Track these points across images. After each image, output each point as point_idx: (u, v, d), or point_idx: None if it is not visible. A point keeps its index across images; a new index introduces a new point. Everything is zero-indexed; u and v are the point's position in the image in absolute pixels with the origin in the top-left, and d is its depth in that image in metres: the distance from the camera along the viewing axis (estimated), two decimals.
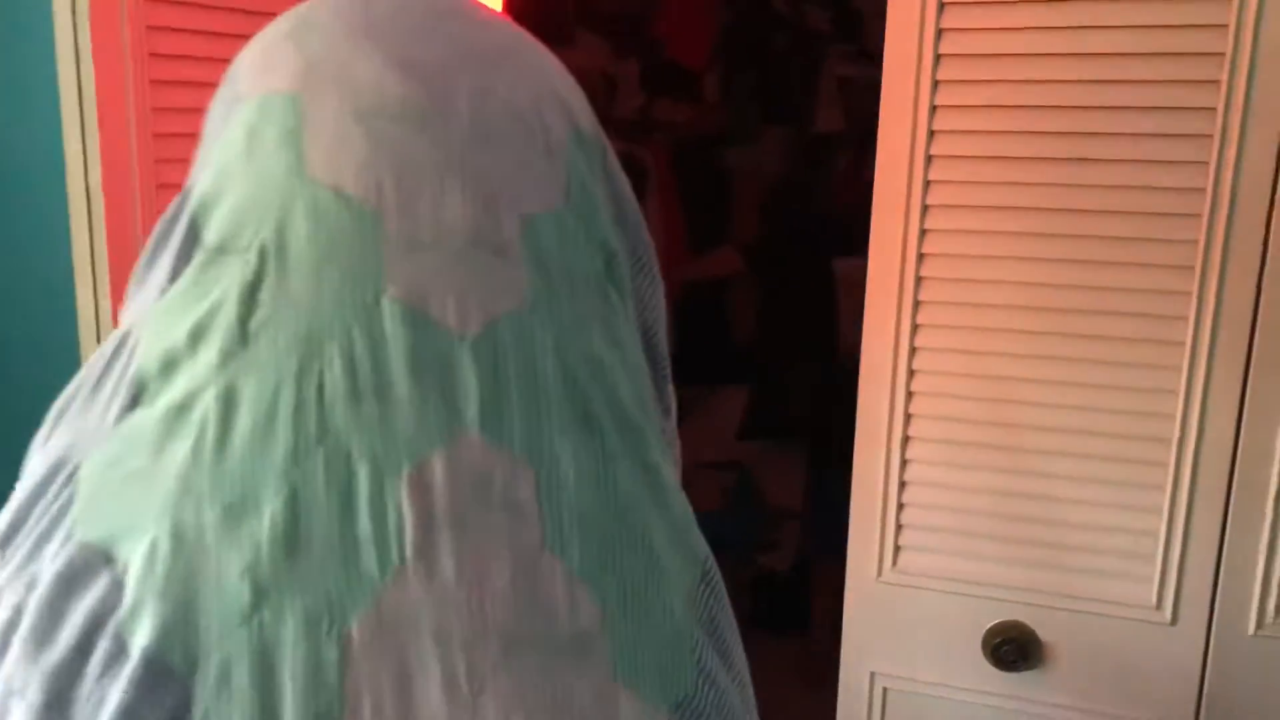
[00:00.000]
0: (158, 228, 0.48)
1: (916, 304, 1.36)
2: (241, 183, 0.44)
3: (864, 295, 2.77)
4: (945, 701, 1.43)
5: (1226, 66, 1.21)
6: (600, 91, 3.26)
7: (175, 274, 0.45)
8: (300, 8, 0.50)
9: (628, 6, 3.38)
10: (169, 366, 0.42)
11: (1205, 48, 1.22)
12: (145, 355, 0.44)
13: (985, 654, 1.39)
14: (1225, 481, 1.27)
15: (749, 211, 3.53)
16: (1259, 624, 1.28)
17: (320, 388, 0.40)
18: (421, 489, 0.39)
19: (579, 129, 0.49)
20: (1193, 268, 1.25)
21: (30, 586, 0.40)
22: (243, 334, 0.41)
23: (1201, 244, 1.24)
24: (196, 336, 0.42)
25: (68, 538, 0.40)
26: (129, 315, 0.48)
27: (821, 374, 3.13)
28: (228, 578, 0.37)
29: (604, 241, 0.48)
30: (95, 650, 0.38)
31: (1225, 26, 1.20)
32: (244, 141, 0.45)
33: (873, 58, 3.69)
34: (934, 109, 1.32)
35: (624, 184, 0.53)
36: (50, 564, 0.40)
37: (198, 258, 0.45)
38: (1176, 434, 1.28)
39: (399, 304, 0.41)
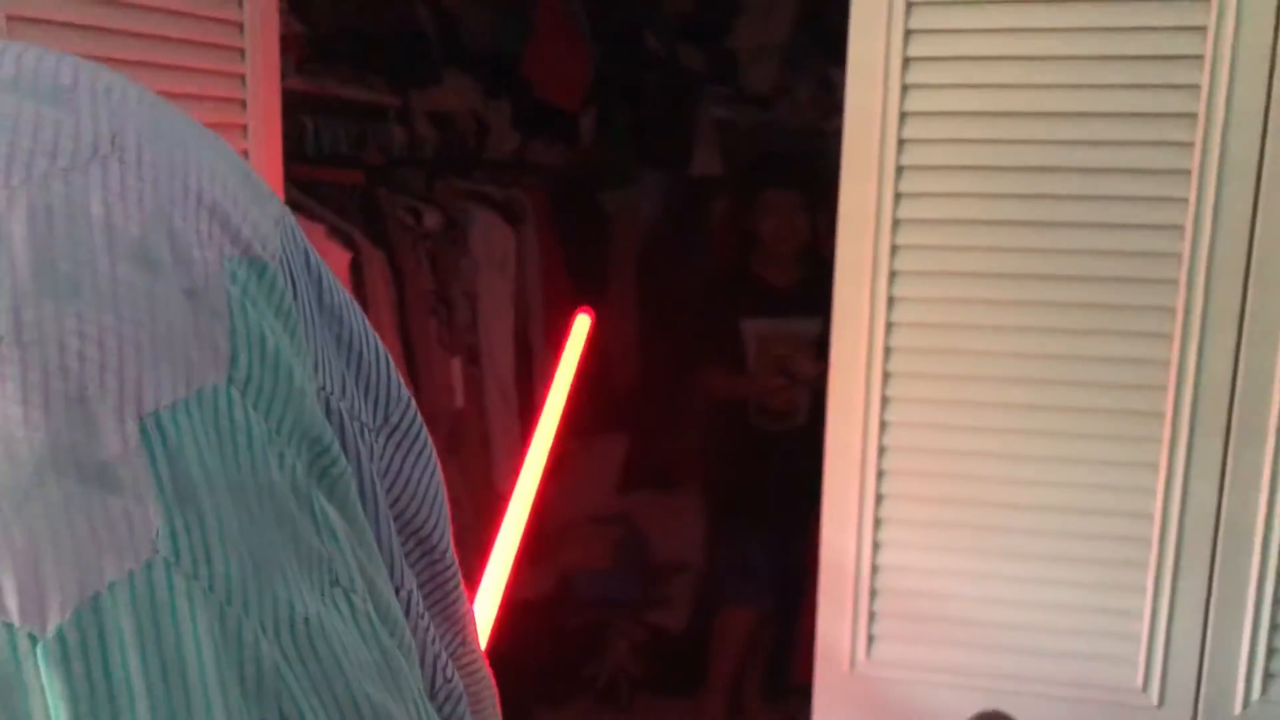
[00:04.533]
0: None
1: (886, 376, 1.27)
2: None
3: (764, 347, 2.66)
4: None
5: (1201, 127, 1.17)
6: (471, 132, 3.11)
7: None
8: None
9: (496, 44, 3.23)
10: None
11: (1179, 108, 1.18)
12: None
13: None
14: (1209, 556, 1.23)
15: (631, 258, 3.43)
16: (1245, 703, 1.24)
17: None
18: None
19: (249, 250, 0.32)
20: (1170, 335, 1.21)
21: None
22: None
23: (1180, 312, 1.20)
24: None
25: None
26: None
27: (719, 422, 3.02)
28: None
29: (300, 427, 0.31)
30: None
31: (1198, 87, 1.17)
32: None
33: (751, 101, 3.62)
34: (900, 170, 1.24)
35: (354, 319, 0.36)
36: None
37: None
38: (1159, 508, 1.23)
39: None
